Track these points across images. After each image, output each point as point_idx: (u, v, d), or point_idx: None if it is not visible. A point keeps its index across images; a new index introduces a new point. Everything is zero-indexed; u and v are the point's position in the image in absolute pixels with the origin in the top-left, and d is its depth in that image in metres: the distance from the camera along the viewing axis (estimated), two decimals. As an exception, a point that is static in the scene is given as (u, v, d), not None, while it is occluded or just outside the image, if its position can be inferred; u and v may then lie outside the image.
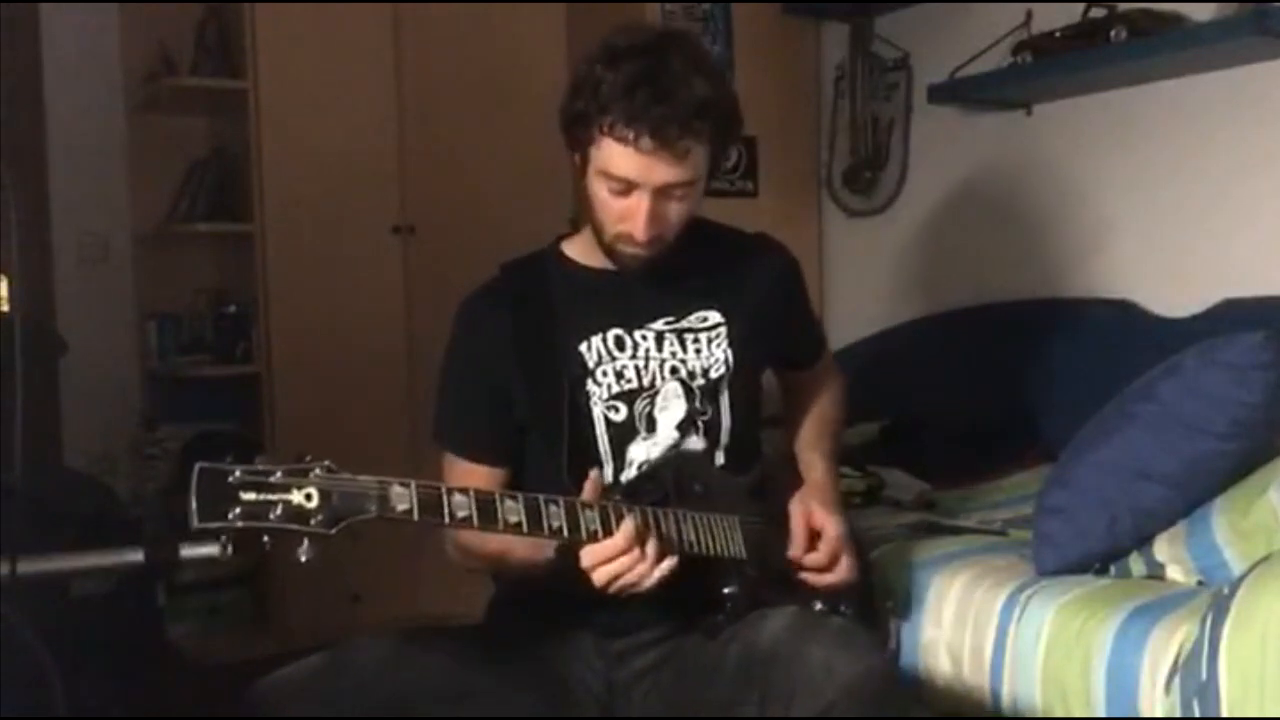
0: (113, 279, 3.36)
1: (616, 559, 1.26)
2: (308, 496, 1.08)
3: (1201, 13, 2.37)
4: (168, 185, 3.38)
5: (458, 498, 1.17)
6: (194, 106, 3.35)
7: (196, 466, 1.05)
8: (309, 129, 3.07)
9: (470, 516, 1.17)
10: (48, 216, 3.24)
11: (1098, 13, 2.48)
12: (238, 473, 1.06)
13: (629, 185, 1.37)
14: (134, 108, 3.35)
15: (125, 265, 3.39)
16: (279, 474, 1.07)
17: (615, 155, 1.36)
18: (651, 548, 1.27)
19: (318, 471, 1.09)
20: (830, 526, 1.49)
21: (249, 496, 1.05)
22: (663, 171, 1.36)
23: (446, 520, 1.16)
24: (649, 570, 1.27)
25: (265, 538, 1.06)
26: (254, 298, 3.13)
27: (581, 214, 1.47)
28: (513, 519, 1.20)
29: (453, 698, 1.30)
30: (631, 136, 1.33)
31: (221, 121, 3.38)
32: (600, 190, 1.40)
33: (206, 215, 3.29)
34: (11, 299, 1.35)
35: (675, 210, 1.42)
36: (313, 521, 1.07)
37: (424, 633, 1.41)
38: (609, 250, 1.46)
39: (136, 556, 1.25)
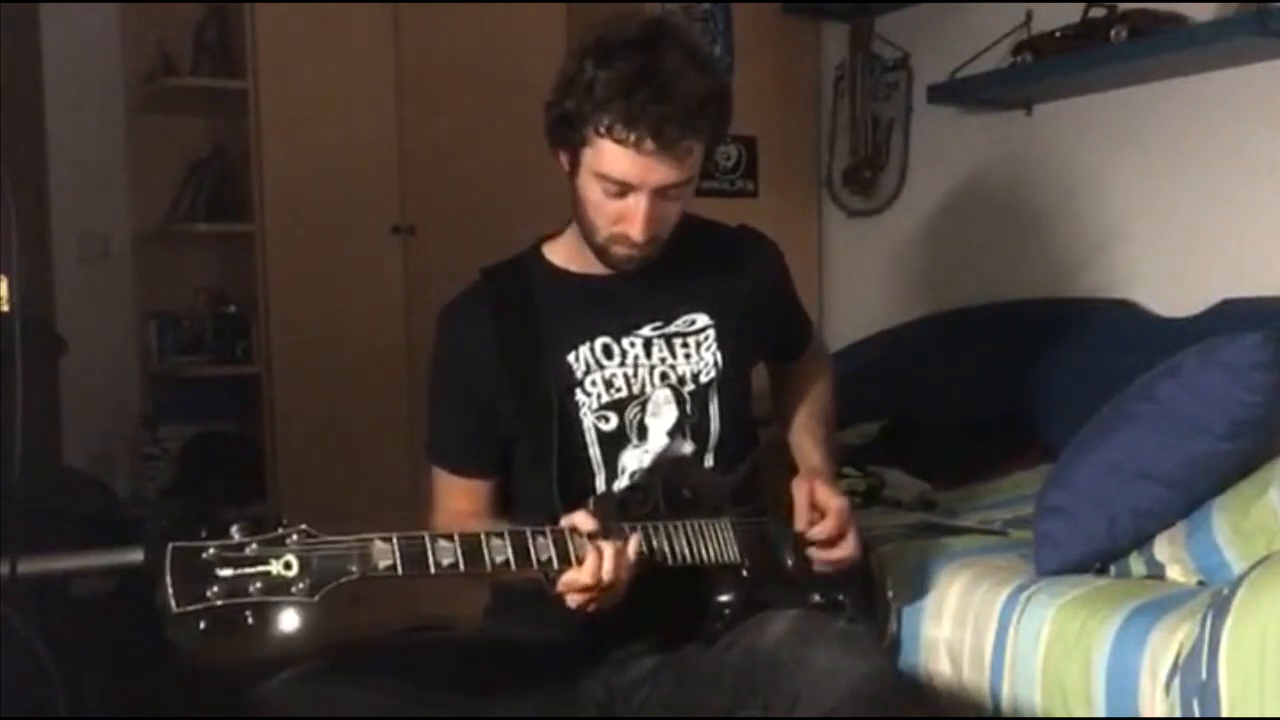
0: (113, 279, 3.36)
1: (585, 590, 1.24)
2: (287, 565, 1.05)
3: (1201, 13, 2.37)
4: (168, 185, 3.38)
5: (442, 544, 1.15)
6: (194, 106, 3.35)
7: (169, 546, 1.01)
8: (309, 129, 3.07)
9: (456, 562, 1.15)
10: (48, 216, 3.23)
11: (1098, 13, 2.48)
12: (212, 549, 1.03)
13: (626, 187, 1.35)
14: (134, 108, 3.35)
15: (125, 265, 3.39)
16: (255, 545, 1.05)
17: (613, 157, 1.33)
18: (623, 573, 1.26)
19: (294, 538, 1.07)
20: (834, 502, 1.48)
21: (226, 572, 1.02)
22: (663, 172, 1.34)
23: (432, 570, 1.14)
24: (620, 593, 1.26)
25: (248, 613, 1.03)
26: (254, 298, 3.13)
27: (574, 212, 1.45)
28: (499, 558, 1.19)
29: (454, 703, 1.29)
30: (632, 139, 1.30)
31: (221, 121, 3.38)
32: (593, 192, 1.38)
33: (206, 215, 3.29)
34: (11, 299, 1.35)
35: (672, 209, 1.40)
36: (294, 590, 1.05)
37: (424, 638, 1.40)
38: (601, 251, 1.43)
39: (136, 556, 1.25)
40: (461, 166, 3.22)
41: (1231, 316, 2.28)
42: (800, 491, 1.49)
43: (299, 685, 1.25)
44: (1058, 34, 2.56)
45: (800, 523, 1.47)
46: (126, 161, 3.36)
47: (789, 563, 1.47)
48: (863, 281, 3.31)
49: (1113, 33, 2.40)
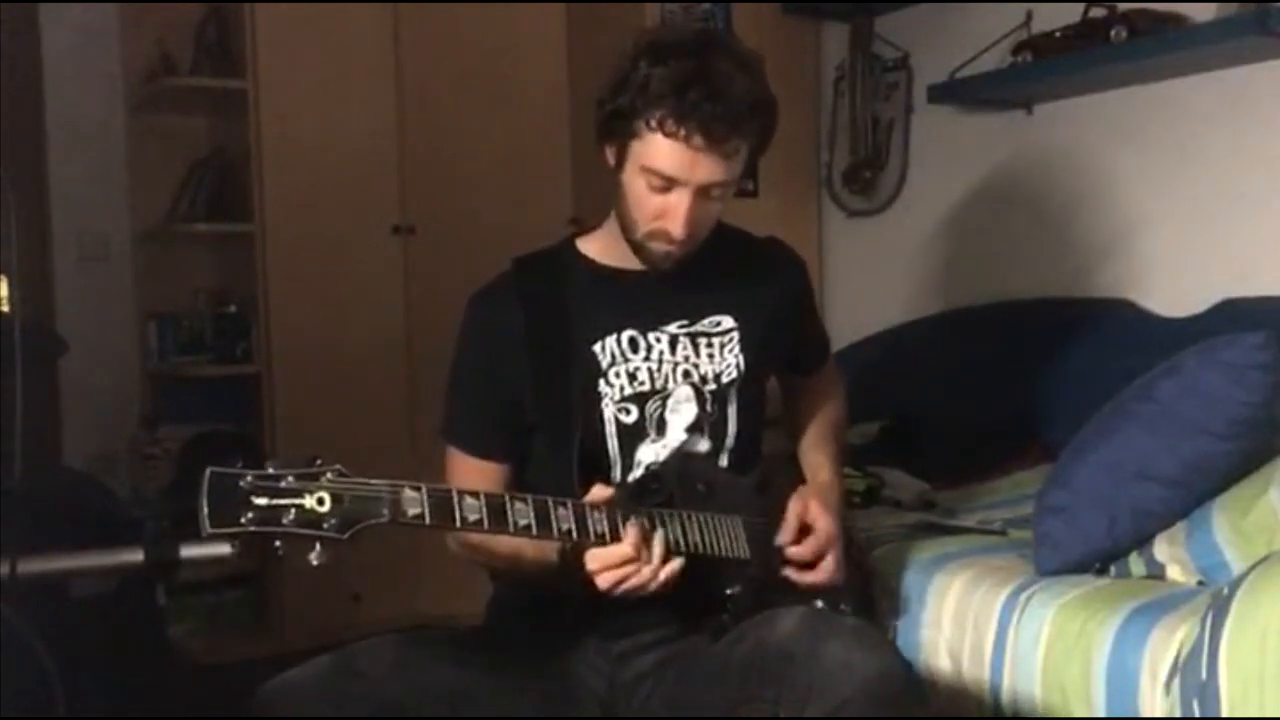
0: (112, 278, 3.36)
1: (622, 565, 1.26)
2: (320, 501, 1.08)
3: (1201, 13, 2.37)
4: (168, 185, 3.39)
5: (469, 501, 1.18)
6: (194, 106, 3.35)
7: (208, 471, 1.05)
8: (309, 129, 3.08)
9: (481, 520, 1.18)
10: (48, 216, 3.24)
11: (1098, 13, 2.48)
12: (249, 477, 1.06)
13: (671, 182, 1.37)
14: (134, 108, 3.35)
15: (125, 264, 3.39)
16: (290, 478, 1.08)
17: (662, 151, 1.36)
18: (657, 552, 1.28)
19: (329, 476, 1.10)
20: (823, 524, 1.49)
21: (261, 501, 1.06)
22: (708, 170, 1.36)
23: (458, 524, 1.17)
24: (653, 575, 1.28)
25: (277, 543, 1.07)
26: (254, 298, 3.13)
27: (616, 208, 1.47)
28: (522, 521, 1.21)
29: (457, 700, 1.30)
30: (682, 133, 1.34)
31: (221, 121, 3.38)
32: (638, 186, 1.40)
33: (206, 215, 3.29)
34: (11, 299, 1.35)
35: (711, 210, 1.43)
36: (325, 526, 1.08)
37: (427, 635, 1.41)
38: (639, 248, 1.45)
39: (136, 556, 1.25)
40: (461, 166, 3.22)
41: (1232, 316, 2.28)
42: (795, 506, 1.51)
43: (300, 685, 1.26)
44: (1058, 34, 2.56)
45: (784, 536, 1.49)
46: (126, 161, 3.36)
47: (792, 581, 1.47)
48: (863, 281, 3.31)
49: (1113, 33, 2.40)
